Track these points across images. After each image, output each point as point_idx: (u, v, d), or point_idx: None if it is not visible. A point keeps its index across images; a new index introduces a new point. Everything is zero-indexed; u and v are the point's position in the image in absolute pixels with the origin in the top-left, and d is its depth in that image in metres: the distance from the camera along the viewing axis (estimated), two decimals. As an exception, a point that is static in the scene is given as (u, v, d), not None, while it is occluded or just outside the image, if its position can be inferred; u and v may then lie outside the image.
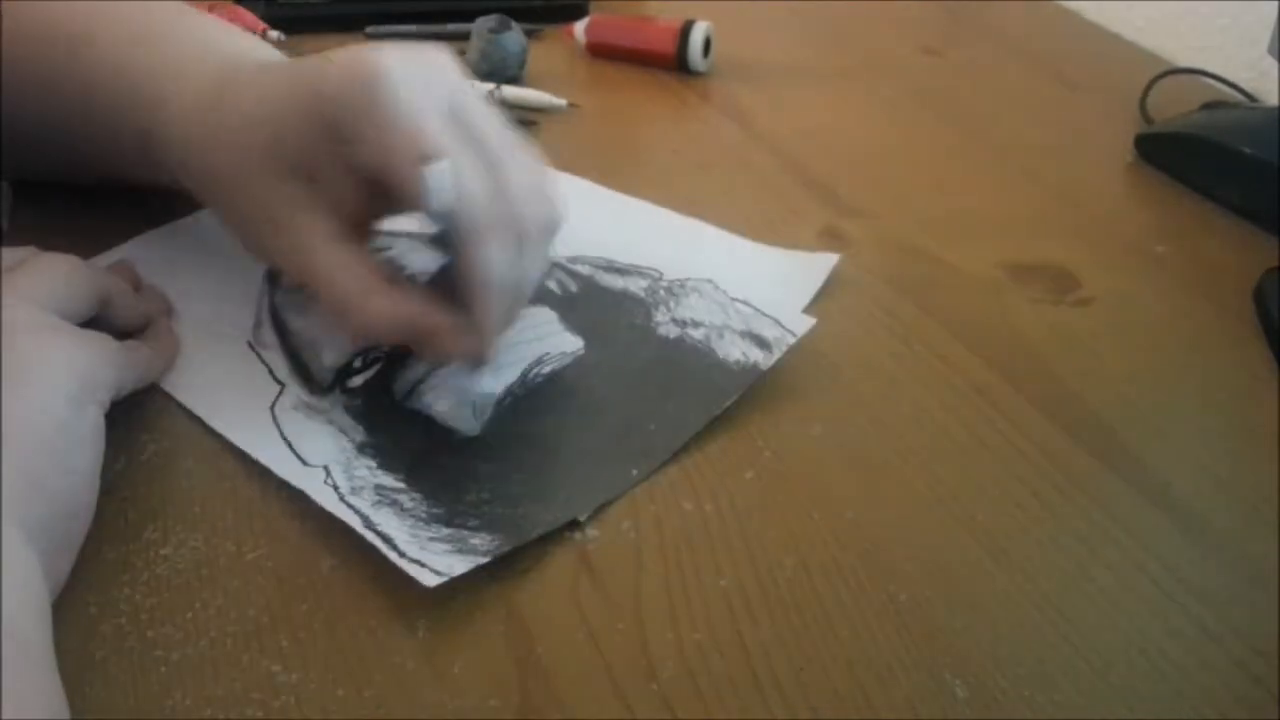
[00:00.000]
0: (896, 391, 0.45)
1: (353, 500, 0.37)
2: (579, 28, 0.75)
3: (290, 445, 0.39)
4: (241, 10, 0.73)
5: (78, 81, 0.45)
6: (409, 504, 0.37)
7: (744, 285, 0.49)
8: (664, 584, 0.35)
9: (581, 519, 0.37)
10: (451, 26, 0.76)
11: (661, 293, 0.48)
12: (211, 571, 0.35)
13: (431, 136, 0.36)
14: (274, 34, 0.72)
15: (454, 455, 0.39)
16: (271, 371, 0.43)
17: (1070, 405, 0.44)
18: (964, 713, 0.32)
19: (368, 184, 0.39)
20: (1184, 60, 0.76)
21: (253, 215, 0.41)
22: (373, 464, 0.38)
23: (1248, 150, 0.59)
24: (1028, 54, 0.80)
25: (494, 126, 0.39)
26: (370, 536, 0.35)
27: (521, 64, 0.69)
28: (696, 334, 0.45)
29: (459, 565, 0.34)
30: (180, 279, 0.46)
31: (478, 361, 0.40)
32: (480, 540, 0.35)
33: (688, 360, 0.44)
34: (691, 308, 0.47)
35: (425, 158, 0.36)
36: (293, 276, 0.42)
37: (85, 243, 0.49)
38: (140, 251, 0.48)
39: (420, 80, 0.38)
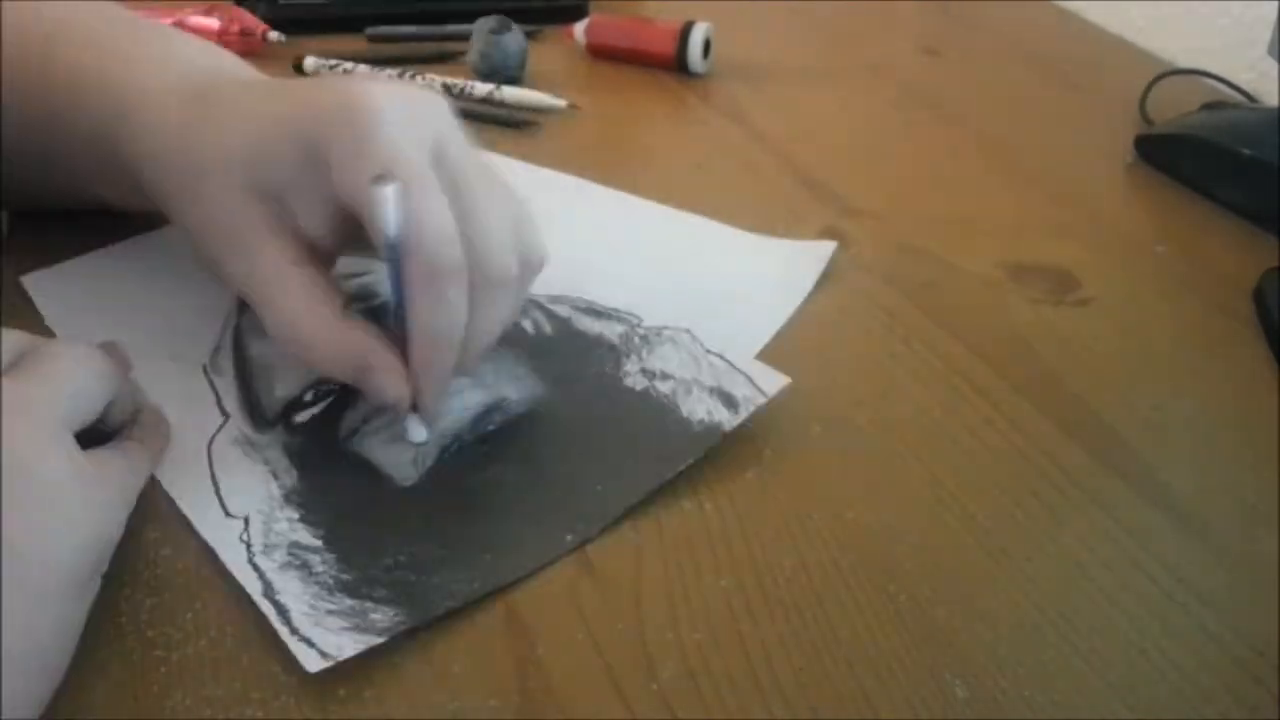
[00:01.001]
0: (896, 391, 0.45)
1: (260, 561, 0.35)
2: (579, 28, 0.75)
3: (217, 489, 0.37)
4: (241, 11, 0.73)
5: (45, 95, 0.44)
6: (320, 567, 0.35)
7: (741, 274, 0.49)
8: (664, 584, 0.35)
9: (499, 586, 0.35)
10: (451, 27, 0.76)
11: (636, 340, 0.45)
12: (211, 571, 0.35)
13: (404, 168, 0.35)
14: (274, 35, 0.72)
15: (381, 509, 0.37)
16: (219, 400, 0.41)
17: (1070, 405, 0.44)
18: (964, 713, 0.32)
19: (340, 214, 0.38)
20: (1184, 61, 0.76)
21: (214, 230, 0.39)
22: (295, 516, 0.37)
23: (1247, 151, 0.59)
24: (1028, 54, 0.80)
25: (476, 171, 0.38)
26: (264, 605, 0.33)
27: (521, 64, 0.69)
28: (664, 387, 0.43)
29: (349, 647, 0.32)
30: (142, 293, 0.45)
31: (419, 409, 0.38)
32: (381, 616, 0.33)
33: (649, 415, 0.42)
34: (663, 358, 0.44)
35: (380, 178, 0.35)
36: (245, 296, 0.40)
37: (85, 244, 0.49)
38: (103, 264, 0.47)
39: (407, 117, 0.37)
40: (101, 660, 0.32)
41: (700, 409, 0.42)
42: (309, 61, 0.69)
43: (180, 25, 0.72)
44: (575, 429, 0.41)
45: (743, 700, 0.32)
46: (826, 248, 0.53)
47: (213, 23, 0.71)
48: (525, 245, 0.39)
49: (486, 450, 0.40)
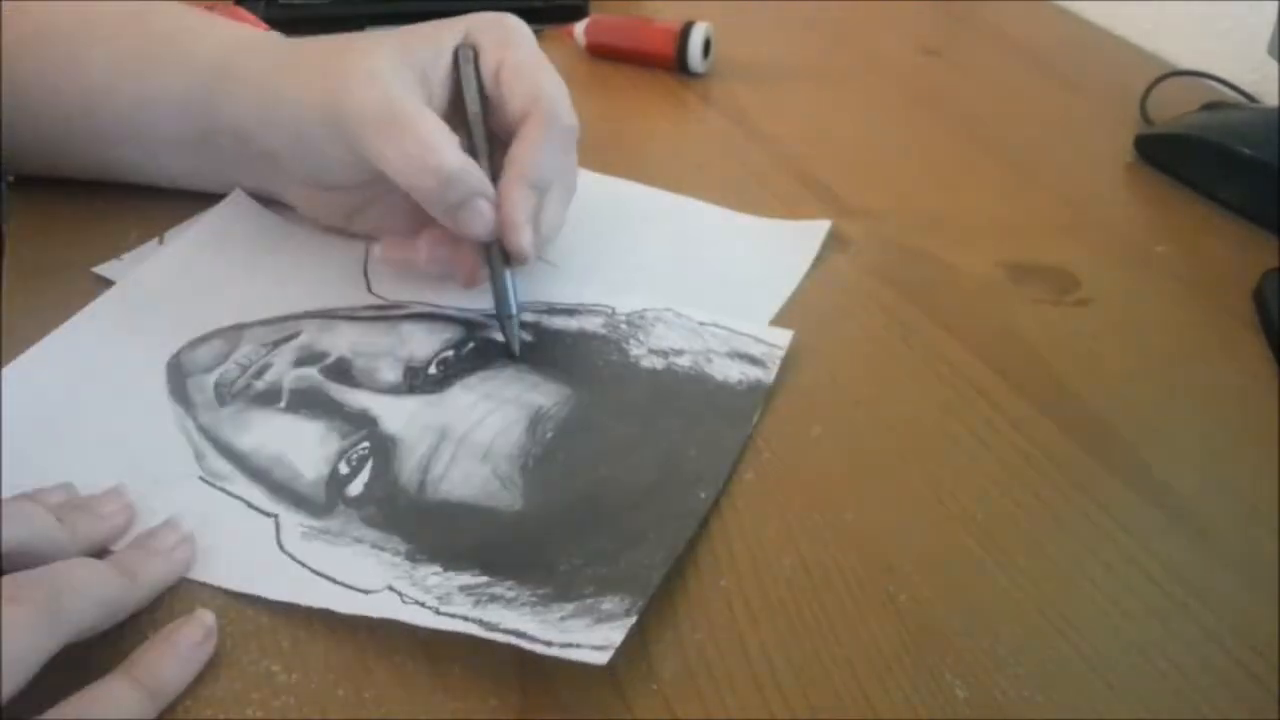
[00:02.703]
0: (896, 391, 0.45)
1: (453, 610, 0.33)
2: (579, 28, 0.75)
3: (332, 579, 0.35)
4: (241, 10, 0.73)
5: (142, 47, 0.49)
6: (509, 594, 0.33)
7: (738, 256, 0.50)
8: (664, 584, 0.35)
9: (679, 549, 0.35)
10: (451, 27, 0.76)
11: (624, 327, 0.45)
12: (211, 572, 0.35)
13: (537, 50, 0.47)
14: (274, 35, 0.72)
15: (512, 534, 0.36)
16: (249, 504, 0.37)
17: (1070, 405, 0.44)
18: (964, 713, 0.32)
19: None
20: (1185, 62, 0.76)
21: (368, 115, 0.42)
22: (438, 569, 0.35)
23: (1247, 151, 0.59)
24: (1028, 54, 0.80)
25: (524, 50, 0.47)
26: (500, 638, 0.32)
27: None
28: (683, 361, 0.44)
29: (614, 634, 0.32)
30: (91, 421, 0.40)
31: (519, 257, 0.44)
32: (611, 604, 0.33)
33: (687, 388, 0.42)
34: (663, 337, 0.45)
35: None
36: (386, 144, 0.42)
37: (85, 245, 0.49)
38: (37, 370, 0.42)
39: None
40: (101, 660, 0.32)
41: (733, 372, 0.43)
42: None
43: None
44: (629, 413, 0.41)
45: (743, 700, 0.32)
46: (821, 226, 0.54)
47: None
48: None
49: (563, 460, 0.39)
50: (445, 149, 0.42)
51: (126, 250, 0.49)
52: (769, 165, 0.62)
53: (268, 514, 0.37)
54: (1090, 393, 0.45)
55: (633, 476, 0.39)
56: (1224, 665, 0.34)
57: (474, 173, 0.43)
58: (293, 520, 0.37)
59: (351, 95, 0.42)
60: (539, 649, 0.31)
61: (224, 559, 0.35)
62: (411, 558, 0.35)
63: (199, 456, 0.39)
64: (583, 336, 0.45)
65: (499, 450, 0.39)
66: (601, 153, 0.62)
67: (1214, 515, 0.39)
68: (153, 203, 0.52)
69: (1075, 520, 0.39)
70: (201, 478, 0.38)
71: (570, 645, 0.31)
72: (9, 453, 0.38)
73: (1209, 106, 0.67)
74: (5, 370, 0.41)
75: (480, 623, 0.32)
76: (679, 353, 0.44)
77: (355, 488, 0.38)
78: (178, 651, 0.31)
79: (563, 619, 0.33)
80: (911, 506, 0.39)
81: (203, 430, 0.40)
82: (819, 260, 0.52)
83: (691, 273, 0.50)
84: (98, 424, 0.40)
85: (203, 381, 0.42)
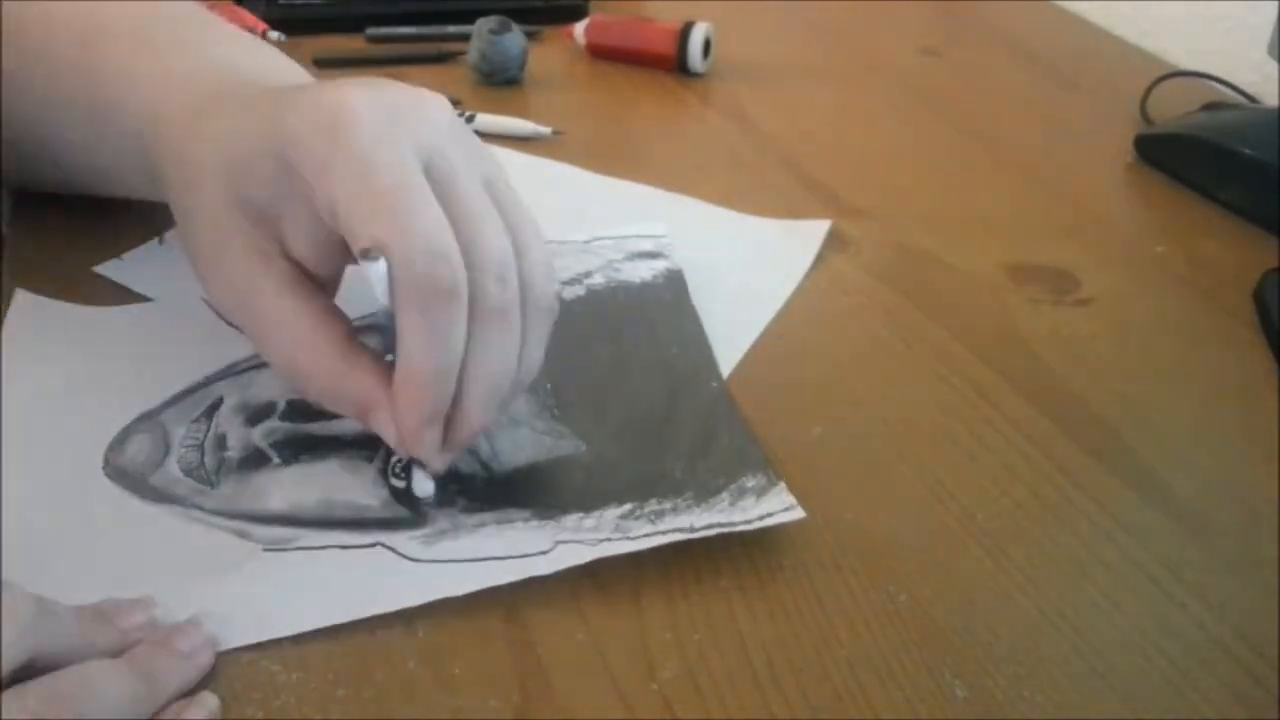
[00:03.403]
0: (896, 391, 0.45)
1: (637, 533, 0.35)
2: (579, 29, 0.75)
3: (499, 558, 0.35)
4: (241, 10, 0.73)
5: (84, 80, 0.42)
6: (666, 507, 0.36)
7: (738, 257, 0.52)
8: (664, 584, 0.35)
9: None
10: (451, 27, 0.76)
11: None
12: (211, 572, 0.35)
13: (382, 176, 0.32)
14: (274, 34, 0.72)
15: (608, 469, 0.38)
16: (343, 546, 0.35)
17: (1070, 405, 0.44)
18: (964, 713, 0.32)
19: (333, 234, 0.34)
20: (1185, 62, 0.76)
21: (209, 249, 0.37)
22: (578, 514, 0.36)
23: (1247, 151, 0.59)
24: (1027, 54, 0.80)
25: (473, 183, 0.35)
26: (707, 534, 0.35)
27: (522, 65, 0.69)
28: (596, 280, 0.46)
29: (784, 497, 0.36)
30: (84, 549, 0.35)
31: (415, 456, 0.35)
32: (754, 481, 0.37)
33: (618, 301, 0.45)
34: (565, 268, 0.47)
35: (364, 251, 0.32)
36: (241, 326, 0.37)
37: (85, 245, 0.49)
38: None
39: (389, 122, 0.33)
40: (101, 660, 0.32)
41: (642, 271, 0.47)
42: None
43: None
44: (595, 342, 0.44)
45: (743, 700, 0.32)
46: (821, 226, 0.54)
47: (212, 22, 0.71)
48: (540, 275, 0.35)
49: (579, 400, 0.41)
50: (311, 363, 0.35)
51: (126, 250, 0.49)
52: (769, 165, 0.62)
53: (368, 545, 0.35)
54: (1090, 393, 0.45)
55: (646, 386, 0.42)
56: (1224, 665, 0.34)
57: (351, 386, 0.35)
58: (400, 538, 0.35)
59: (208, 287, 0.37)
60: (743, 528, 0.35)
61: (357, 589, 0.34)
62: (544, 516, 0.36)
63: (242, 535, 0.36)
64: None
65: (520, 413, 0.41)
66: (601, 153, 0.62)
67: (1214, 515, 0.39)
68: (154, 203, 0.51)
69: (1075, 520, 0.39)
70: (265, 549, 0.35)
71: (767, 516, 0.35)
72: None
73: (1209, 107, 0.67)
74: None
75: (677, 529, 0.35)
76: (587, 274, 0.47)
77: (424, 489, 0.37)
78: (174, 651, 0.31)
79: (732, 504, 0.36)
80: (911, 506, 0.39)
81: (219, 513, 0.36)
82: (819, 260, 0.52)
83: (691, 272, 0.50)
84: (83, 557, 0.35)
85: (168, 475, 0.38)
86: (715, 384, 0.41)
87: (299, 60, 0.45)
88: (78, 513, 0.36)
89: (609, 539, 0.35)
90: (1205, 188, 0.61)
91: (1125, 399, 0.45)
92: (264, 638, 0.32)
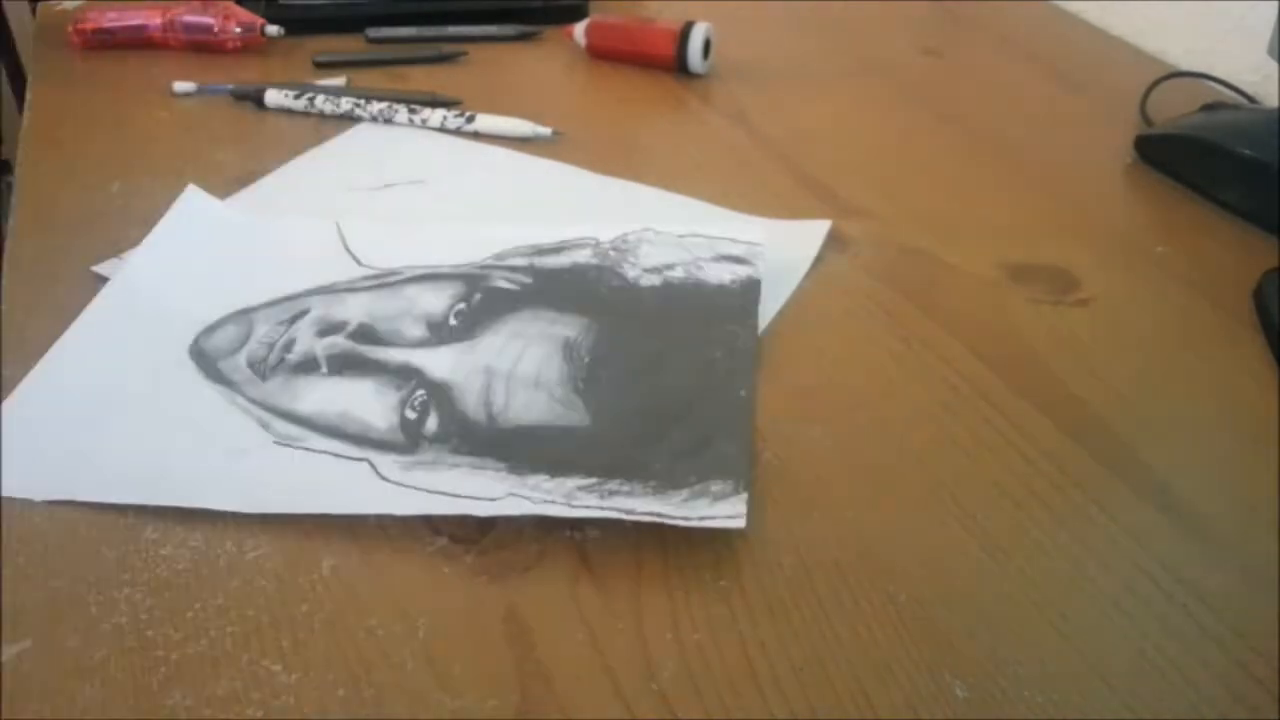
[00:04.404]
0: (896, 391, 0.45)
1: (580, 503, 0.36)
2: (578, 29, 0.75)
3: (454, 495, 0.37)
4: (241, 10, 0.73)
5: None
6: (625, 489, 0.37)
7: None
8: (664, 584, 0.35)
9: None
10: (452, 28, 0.76)
11: (612, 254, 0.49)
12: (211, 571, 0.35)
13: None
14: (272, 29, 0.72)
15: (597, 443, 0.39)
16: (336, 454, 0.39)
17: (1070, 405, 0.44)
18: (964, 713, 0.32)
19: None
20: (1185, 62, 0.76)
21: None
22: (544, 476, 0.38)
23: (1247, 151, 0.59)
24: (1028, 55, 0.80)
25: None
26: (641, 519, 0.36)
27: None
28: (676, 274, 0.47)
29: (738, 506, 0.36)
30: (136, 412, 0.41)
31: None
32: (720, 486, 0.37)
33: (689, 297, 0.46)
34: (651, 255, 0.48)
35: None
36: None
37: (85, 245, 0.49)
38: (59, 374, 0.43)
39: None
40: (101, 660, 0.32)
41: (724, 274, 0.47)
42: (270, 95, 0.65)
43: (174, 21, 0.72)
44: (648, 330, 0.45)
45: (743, 700, 0.32)
46: (821, 226, 0.54)
47: (208, 19, 0.71)
48: None
49: (607, 378, 0.42)
50: None
51: (127, 250, 0.49)
52: (769, 165, 0.62)
53: (357, 459, 0.39)
54: (1090, 392, 0.45)
55: (676, 382, 0.42)
56: (1224, 665, 0.34)
57: None
58: (385, 460, 0.39)
59: None
60: (679, 524, 0.36)
61: (325, 492, 0.37)
62: (516, 471, 0.38)
63: (264, 425, 0.41)
64: (577, 269, 0.48)
65: (547, 378, 0.42)
66: (601, 153, 0.62)
67: (1214, 515, 0.39)
68: (153, 203, 0.52)
69: (1075, 520, 0.39)
70: (276, 442, 0.40)
71: (707, 518, 0.36)
72: (60, 451, 0.39)
73: (1209, 107, 0.67)
74: (27, 381, 0.42)
75: (616, 509, 0.36)
76: (670, 266, 0.48)
77: (430, 426, 0.40)
78: None
79: (685, 501, 0.37)
80: (911, 506, 0.39)
81: (256, 403, 0.42)
82: (819, 260, 0.52)
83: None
84: (143, 413, 0.41)
85: (234, 362, 0.43)
86: (744, 393, 0.42)
87: (299, 60, 0.45)
88: (153, 375, 0.43)
89: (553, 502, 0.37)
90: (1205, 188, 0.61)
91: (1125, 399, 0.45)
92: (242, 510, 0.37)
